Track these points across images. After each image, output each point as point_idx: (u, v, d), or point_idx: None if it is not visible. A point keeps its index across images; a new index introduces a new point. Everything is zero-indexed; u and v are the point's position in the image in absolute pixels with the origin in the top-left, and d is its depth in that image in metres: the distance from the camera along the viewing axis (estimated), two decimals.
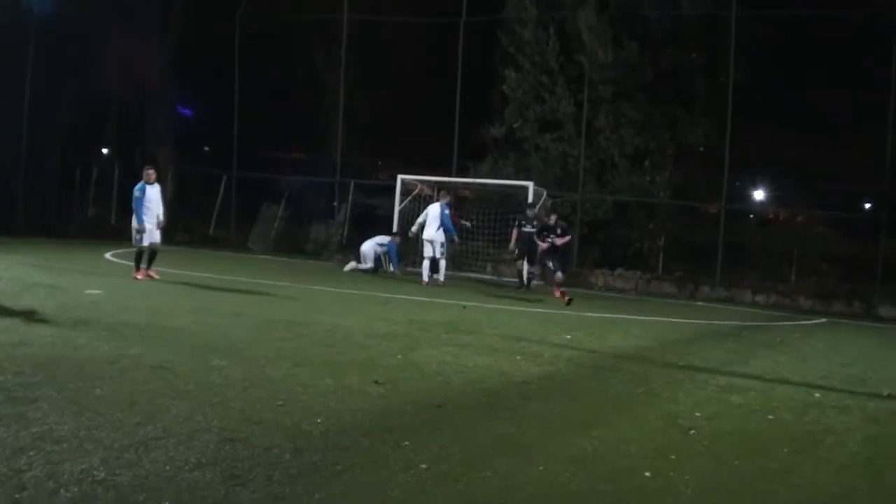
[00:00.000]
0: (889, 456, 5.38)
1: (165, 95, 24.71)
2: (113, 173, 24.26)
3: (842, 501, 4.33)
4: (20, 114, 21.22)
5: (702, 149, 20.02)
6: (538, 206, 17.03)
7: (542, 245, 13.96)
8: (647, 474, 4.39)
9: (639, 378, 7.33)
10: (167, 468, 3.87)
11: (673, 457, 4.77)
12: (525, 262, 16.63)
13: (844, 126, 19.99)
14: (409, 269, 18.18)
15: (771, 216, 23.44)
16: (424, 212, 16.63)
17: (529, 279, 16.80)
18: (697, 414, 5.99)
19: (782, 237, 20.62)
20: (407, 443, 4.59)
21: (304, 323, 9.18)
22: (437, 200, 16.71)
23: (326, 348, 7.59)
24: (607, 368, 7.75)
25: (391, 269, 17.78)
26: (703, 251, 18.85)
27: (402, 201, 18.72)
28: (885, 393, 7.50)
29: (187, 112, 26.98)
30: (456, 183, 19.46)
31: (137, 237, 12.76)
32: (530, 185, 17.82)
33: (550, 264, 14.14)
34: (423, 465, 4.21)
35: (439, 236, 16.06)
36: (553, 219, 14.89)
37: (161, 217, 12.97)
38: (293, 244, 22.43)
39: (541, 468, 4.36)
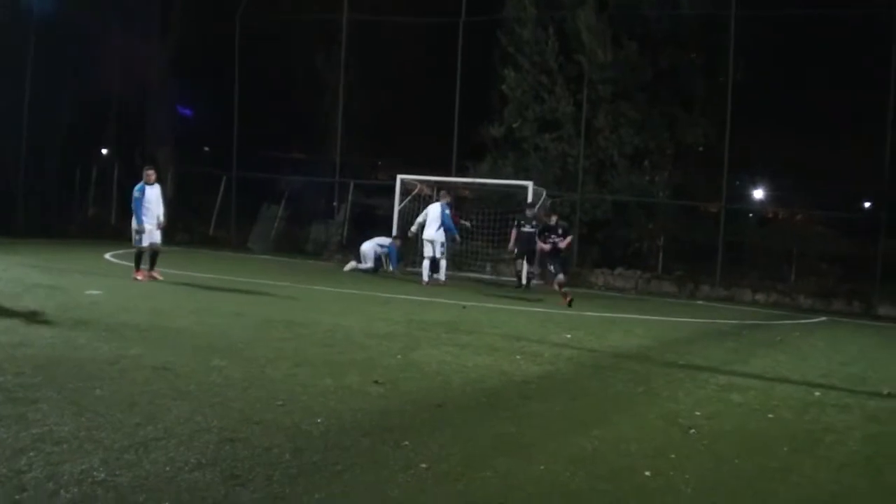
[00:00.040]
0: (889, 454, 5.39)
1: (165, 95, 24.71)
2: (113, 173, 24.26)
3: (842, 500, 4.34)
4: (20, 114, 21.22)
5: (701, 148, 20.01)
6: (538, 206, 17.04)
7: (545, 246, 13.90)
8: (647, 473, 4.39)
9: (639, 377, 7.33)
10: (167, 469, 3.87)
11: (673, 456, 4.78)
12: (524, 262, 16.65)
13: (844, 126, 20.00)
14: (409, 268, 18.18)
15: (770, 215, 23.45)
16: (424, 212, 16.63)
17: (529, 279, 16.81)
18: (697, 413, 6.00)
19: (782, 236, 20.60)
20: (407, 442, 4.59)
21: (305, 323, 9.18)
22: (437, 200, 16.72)
23: (326, 348, 7.59)
24: (607, 368, 7.76)
25: (391, 269, 17.79)
26: (703, 250, 18.85)
27: (401, 201, 18.73)
28: (885, 391, 7.50)
29: (187, 112, 26.98)
30: (455, 183, 19.46)
31: (137, 238, 12.74)
32: (530, 184, 17.82)
33: (551, 267, 14.11)
34: (423, 465, 4.22)
35: (439, 236, 16.06)
36: (554, 219, 14.87)
37: (161, 218, 12.94)
38: (293, 244, 22.43)
39: (541, 468, 4.36)
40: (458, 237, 17.00)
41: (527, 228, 16.20)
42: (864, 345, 11.82)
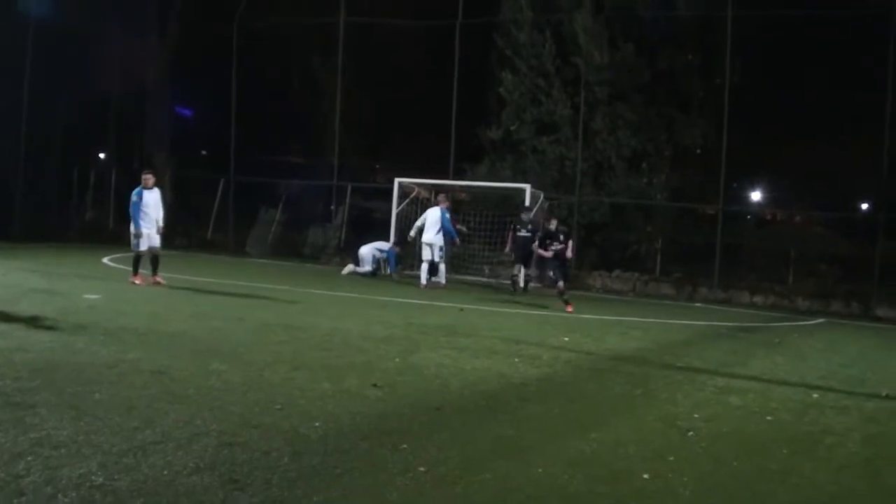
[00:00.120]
0: (888, 456, 5.39)
1: (164, 97, 24.71)
2: (111, 177, 24.25)
3: (841, 501, 4.34)
4: (19, 115, 21.20)
5: (699, 150, 20.01)
6: (534, 210, 17.02)
7: (546, 254, 13.64)
8: (646, 476, 4.39)
9: (637, 380, 7.33)
10: (165, 473, 3.87)
11: (671, 458, 4.77)
12: (521, 266, 16.60)
13: (842, 127, 20.02)
14: (407, 272, 18.18)
15: (768, 217, 23.48)
16: (423, 216, 16.65)
17: (527, 282, 16.80)
18: (696, 415, 6.00)
19: (780, 238, 20.60)
20: (405, 446, 4.59)
21: (303, 326, 9.18)
22: (435, 203, 16.72)
23: (325, 352, 7.59)
24: (605, 370, 7.76)
25: (389, 272, 17.78)
26: (701, 252, 18.86)
27: (399, 204, 18.73)
28: (884, 393, 7.50)
29: (187, 112, 26.96)
30: (453, 186, 19.48)
31: (135, 242, 12.71)
32: (527, 187, 17.83)
33: (551, 273, 14.01)
34: (422, 468, 4.22)
35: (438, 240, 16.06)
36: (554, 224, 14.79)
37: (160, 222, 12.90)
38: (291, 248, 22.43)
39: (539, 470, 4.36)
40: (457, 240, 17.01)
41: (522, 233, 16.18)
42: (862, 346, 11.82)
